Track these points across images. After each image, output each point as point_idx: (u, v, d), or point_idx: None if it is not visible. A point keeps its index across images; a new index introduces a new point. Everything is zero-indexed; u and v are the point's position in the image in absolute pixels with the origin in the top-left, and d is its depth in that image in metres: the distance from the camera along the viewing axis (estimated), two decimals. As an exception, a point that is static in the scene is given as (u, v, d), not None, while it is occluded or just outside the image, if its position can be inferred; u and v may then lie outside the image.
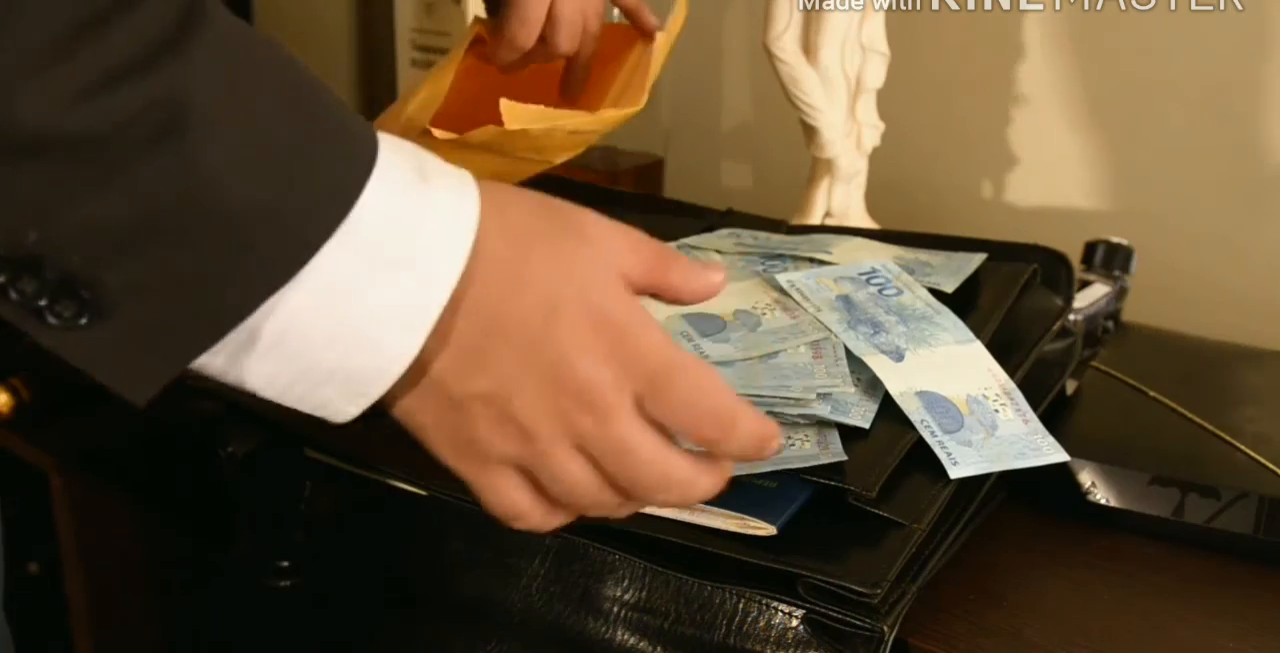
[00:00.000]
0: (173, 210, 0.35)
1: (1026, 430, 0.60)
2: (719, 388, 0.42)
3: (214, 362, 0.39)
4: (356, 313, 0.39)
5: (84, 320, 0.36)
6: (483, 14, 0.81)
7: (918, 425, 0.59)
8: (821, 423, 0.59)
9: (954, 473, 0.57)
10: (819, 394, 0.59)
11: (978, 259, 0.71)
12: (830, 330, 0.63)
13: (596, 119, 0.74)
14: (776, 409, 0.59)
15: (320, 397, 0.41)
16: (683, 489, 0.43)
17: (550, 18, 0.75)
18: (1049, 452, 0.60)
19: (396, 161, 0.39)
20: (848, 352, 0.62)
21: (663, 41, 0.80)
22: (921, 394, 0.60)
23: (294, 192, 0.37)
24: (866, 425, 0.59)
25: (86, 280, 0.36)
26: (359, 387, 0.40)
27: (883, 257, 0.71)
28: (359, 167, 0.38)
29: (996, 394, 0.61)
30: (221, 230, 0.36)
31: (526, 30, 0.75)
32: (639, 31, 0.81)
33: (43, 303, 0.36)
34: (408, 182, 0.39)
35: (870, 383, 0.61)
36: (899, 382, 0.60)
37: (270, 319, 0.38)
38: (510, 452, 0.43)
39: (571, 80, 0.82)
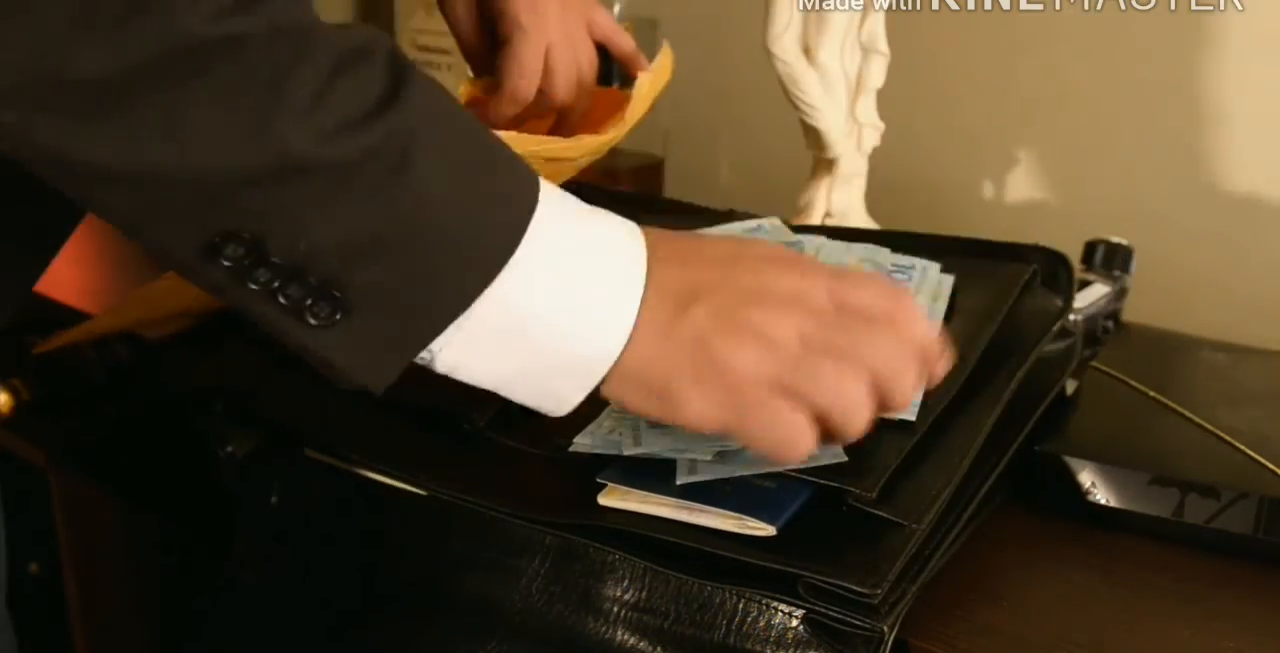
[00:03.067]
0: (405, 222, 0.44)
1: None
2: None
3: (447, 356, 0.47)
4: (565, 301, 0.47)
5: (336, 317, 0.44)
6: (468, 71, 0.81)
7: None
8: None
9: None
10: None
11: (948, 285, 0.68)
12: None
13: (573, 145, 0.73)
14: None
15: (546, 387, 0.49)
16: (916, 343, 0.50)
17: (546, 69, 0.76)
18: None
19: (551, 188, 0.48)
20: None
21: (647, 84, 0.79)
22: None
23: (488, 204, 0.46)
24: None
25: (340, 283, 0.44)
26: (584, 368, 0.48)
27: (848, 259, 0.70)
28: (529, 186, 0.47)
29: None
30: (441, 237, 0.44)
31: (526, 82, 0.75)
32: (632, 75, 0.81)
33: (307, 303, 0.44)
34: (565, 200, 0.49)
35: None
36: None
37: (494, 313, 0.46)
38: (767, 369, 0.48)
39: (561, 135, 0.81)
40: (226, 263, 0.43)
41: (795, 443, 0.48)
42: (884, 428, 0.59)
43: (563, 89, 0.77)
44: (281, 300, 0.44)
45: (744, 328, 0.48)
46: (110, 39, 0.39)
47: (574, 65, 0.77)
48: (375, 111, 0.43)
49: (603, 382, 0.49)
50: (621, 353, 0.48)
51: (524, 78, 0.75)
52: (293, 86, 0.41)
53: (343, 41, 0.43)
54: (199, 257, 0.43)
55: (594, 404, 0.62)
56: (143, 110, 0.40)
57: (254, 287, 0.43)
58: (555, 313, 0.47)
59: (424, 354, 0.47)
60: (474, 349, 0.47)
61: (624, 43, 0.81)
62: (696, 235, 0.53)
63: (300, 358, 0.47)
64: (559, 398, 0.50)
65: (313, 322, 0.44)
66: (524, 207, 0.46)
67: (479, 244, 0.45)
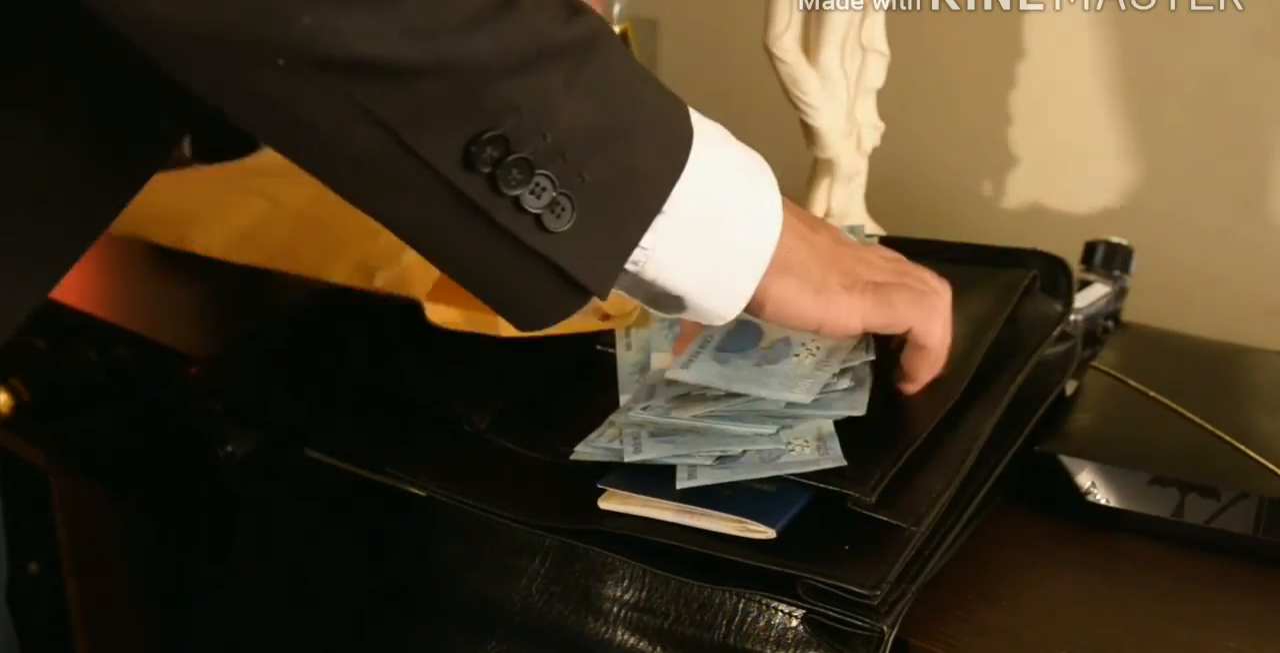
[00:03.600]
0: (621, 109, 0.46)
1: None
2: None
3: (655, 255, 0.49)
4: (734, 185, 0.51)
5: (572, 220, 0.46)
6: None
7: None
8: (821, 429, 0.59)
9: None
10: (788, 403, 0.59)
11: None
12: None
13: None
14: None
15: (727, 284, 0.52)
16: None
17: None
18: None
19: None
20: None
21: None
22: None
23: (665, 95, 0.49)
24: (861, 412, 0.59)
25: (573, 178, 0.45)
26: (755, 254, 0.52)
27: None
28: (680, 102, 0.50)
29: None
30: (645, 125, 0.47)
31: None
32: None
33: (550, 205, 0.45)
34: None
35: (856, 378, 0.61)
36: None
37: (687, 199, 0.49)
38: (879, 279, 0.58)
39: None
40: (484, 169, 0.43)
41: (936, 305, 0.59)
42: (884, 431, 0.59)
43: None
44: (529, 206, 0.45)
45: (851, 256, 0.57)
46: None
47: None
48: (574, 7, 0.45)
49: (765, 275, 0.53)
50: (780, 241, 0.52)
51: None
52: None
53: None
54: (458, 166, 0.44)
55: (595, 414, 0.62)
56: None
57: (507, 192, 0.44)
58: (730, 195, 0.51)
59: (635, 257, 0.49)
60: (675, 243, 0.49)
61: None
62: None
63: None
64: (732, 297, 0.52)
65: (552, 227, 0.45)
66: (681, 102, 0.50)
67: (670, 133, 0.49)
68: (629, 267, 0.49)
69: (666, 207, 0.48)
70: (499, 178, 0.44)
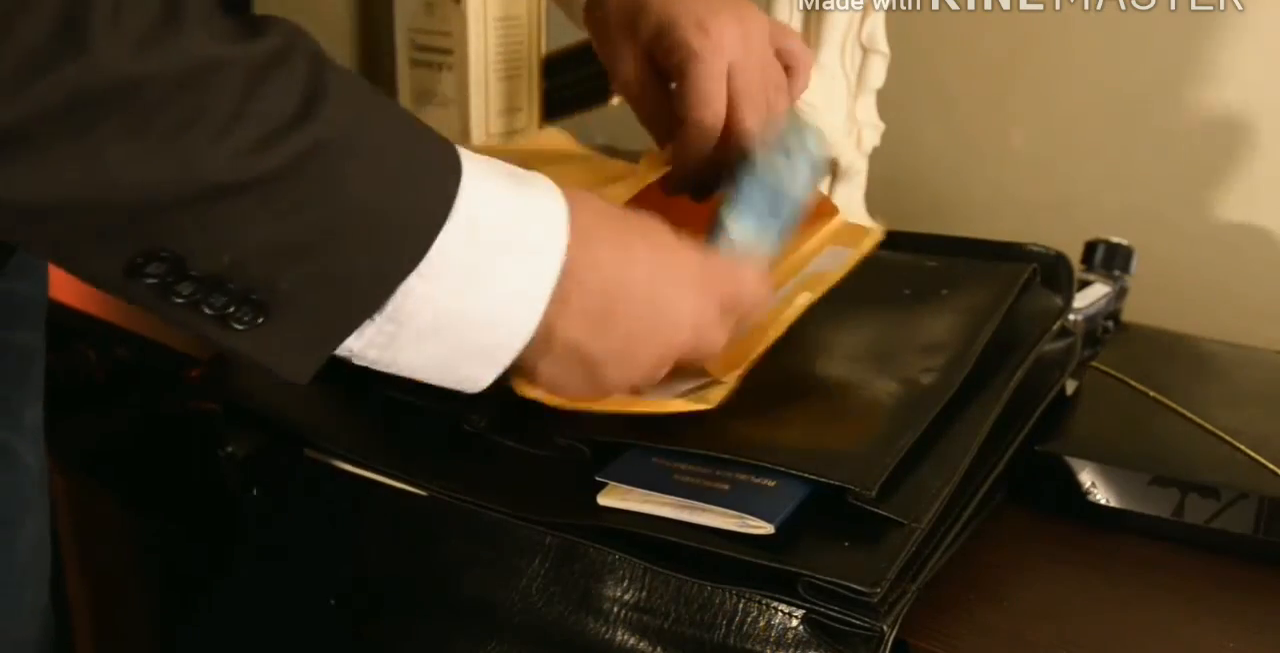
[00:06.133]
0: (323, 228, 0.45)
1: None
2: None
3: (369, 353, 0.49)
4: (486, 300, 0.49)
5: (260, 322, 0.45)
6: (651, 145, 0.70)
7: None
8: None
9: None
10: None
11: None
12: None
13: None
14: None
15: (462, 373, 0.51)
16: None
17: (731, 92, 0.65)
18: None
19: (484, 169, 0.49)
20: None
21: (851, 261, 0.68)
22: None
23: (405, 204, 0.46)
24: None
25: (261, 289, 0.45)
26: (493, 358, 0.51)
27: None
28: (447, 183, 0.47)
29: None
30: (360, 237, 0.45)
31: (711, 111, 0.64)
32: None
33: (231, 310, 0.45)
34: (500, 184, 0.49)
35: None
36: None
37: (408, 310, 0.48)
38: (624, 384, 0.56)
39: None
40: (150, 281, 0.44)
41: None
42: (883, 427, 0.59)
43: (751, 115, 0.65)
44: (206, 311, 0.45)
45: (636, 366, 0.55)
46: (25, 83, 0.39)
47: (762, 86, 0.66)
48: (292, 124, 0.43)
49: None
50: (524, 352, 0.51)
51: (707, 107, 0.64)
52: (206, 115, 0.41)
53: (255, 56, 0.42)
54: (122, 276, 0.44)
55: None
56: (60, 148, 0.40)
57: (179, 301, 0.44)
58: (466, 310, 0.49)
59: (343, 349, 0.49)
60: (389, 344, 0.49)
61: (806, 65, 0.70)
62: (621, 246, 0.53)
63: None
64: (471, 381, 0.52)
65: (237, 327, 0.45)
66: (441, 202, 0.47)
67: (393, 244, 0.46)
68: (339, 352, 0.49)
69: (379, 315, 0.47)
70: (168, 290, 0.44)
